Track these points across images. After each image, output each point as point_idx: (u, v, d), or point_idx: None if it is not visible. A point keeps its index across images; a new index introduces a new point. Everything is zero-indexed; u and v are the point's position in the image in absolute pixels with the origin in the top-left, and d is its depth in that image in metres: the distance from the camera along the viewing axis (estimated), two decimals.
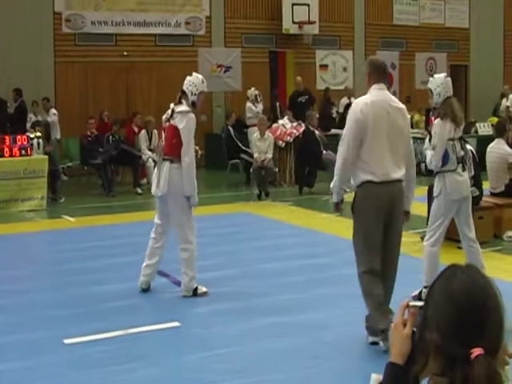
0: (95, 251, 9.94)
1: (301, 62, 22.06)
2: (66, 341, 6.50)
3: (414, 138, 6.90)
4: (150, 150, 16.00)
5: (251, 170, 15.03)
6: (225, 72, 20.97)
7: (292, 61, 22.10)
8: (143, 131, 16.33)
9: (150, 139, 16.21)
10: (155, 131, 15.86)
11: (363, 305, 6.41)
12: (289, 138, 16.17)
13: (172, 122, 7.74)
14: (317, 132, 15.76)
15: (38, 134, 14.40)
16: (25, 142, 13.90)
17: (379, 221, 6.20)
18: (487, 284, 1.88)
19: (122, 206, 14.02)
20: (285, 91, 21.61)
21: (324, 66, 22.84)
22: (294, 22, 21.19)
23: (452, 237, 8.51)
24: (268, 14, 21.55)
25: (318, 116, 16.68)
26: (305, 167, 15.49)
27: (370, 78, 6.41)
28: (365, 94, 6.49)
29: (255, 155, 14.99)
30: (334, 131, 18.28)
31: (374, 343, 6.21)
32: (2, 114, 16.71)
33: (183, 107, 7.73)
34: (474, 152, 9.06)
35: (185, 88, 7.84)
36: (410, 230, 9.66)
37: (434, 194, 7.56)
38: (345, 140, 6.29)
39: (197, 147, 8.07)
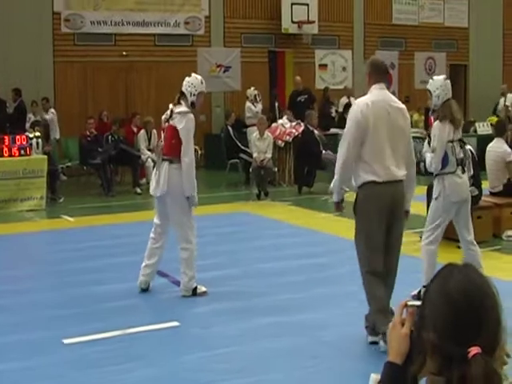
0: (94, 251, 9.94)
1: (300, 61, 22.07)
2: (66, 341, 6.50)
3: (413, 137, 6.89)
4: (149, 149, 16.00)
5: (250, 170, 15.04)
6: (224, 72, 20.97)
7: (291, 60, 22.10)
8: (142, 131, 16.33)
9: (149, 139, 16.22)
10: (154, 131, 15.86)
11: (362, 304, 6.42)
12: (288, 137, 16.18)
13: (171, 122, 7.74)
14: (316, 132, 15.76)
15: (37, 133, 14.41)
16: (24, 142, 13.90)
17: (381, 221, 6.19)
18: (484, 283, 1.88)
19: (121, 206, 14.02)
20: (284, 91, 21.63)
21: (323, 66, 22.85)
22: (293, 22, 21.20)
23: (451, 236, 8.51)
24: (267, 13, 21.55)
25: (317, 115, 16.68)
26: (304, 167, 15.50)
27: (370, 78, 6.41)
28: (364, 93, 6.49)
29: (254, 155, 14.99)
30: (333, 131, 18.29)
31: (374, 343, 6.21)
32: (2, 114, 16.70)
33: (182, 108, 7.73)
34: (474, 152, 9.06)
35: (184, 89, 7.84)
36: (408, 229, 9.65)
37: (434, 196, 7.57)
38: (345, 141, 6.29)
39: (197, 147, 8.07)
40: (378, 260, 6.22)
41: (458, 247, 8.06)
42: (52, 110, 17.77)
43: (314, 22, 21.47)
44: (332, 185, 6.57)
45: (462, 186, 7.47)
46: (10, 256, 10.29)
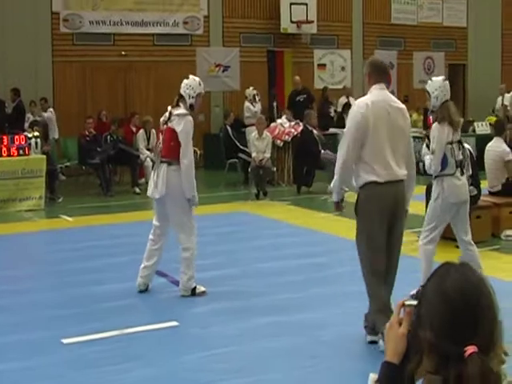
0: (93, 251, 9.94)
1: (299, 61, 22.07)
2: (65, 341, 6.50)
3: (412, 136, 6.90)
4: (148, 149, 16.01)
5: (249, 170, 15.04)
6: (223, 71, 20.97)
7: (290, 60, 22.11)
8: (141, 131, 16.33)
9: (148, 139, 16.22)
10: (153, 131, 15.85)
11: (361, 304, 6.42)
12: (287, 137, 16.18)
13: (169, 124, 7.74)
14: (315, 131, 15.76)
15: (36, 133, 14.41)
16: (23, 142, 13.90)
17: (383, 222, 6.20)
18: (480, 282, 1.88)
19: (120, 206, 14.02)
20: (283, 91, 21.64)
21: (322, 66, 22.85)
22: (292, 22, 21.21)
23: (449, 236, 8.51)
24: (266, 13, 21.55)
25: (316, 115, 16.69)
26: (303, 166, 15.50)
27: (370, 78, 6.41)
28: (364, 93, 6.49)
29: (253, 155, 14.99)
30: (332, 130, 18.31)
31: (373, 342, 6.22)
32: (0, 114, 16.69)
33: (181, 110, 7.74)
34: (472, 151, 9.07)
35: (182, 91, 7.84)
36: (407, 229, 9.64)
37: (432, 197, 7.58)
38: (345, 141, 6.29)
39: (196, 148, 8.08)
40: (380, 260, 6.22)
41: (456, 247, 8.06)
42: (50, 109, 17.77)
43: (312, 21, 21.48)
44: (332, 185, 6.57)
45: (461, 187, 7.47)
46: (9, 256, 10.29)
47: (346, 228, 10.22)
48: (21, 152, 13.82)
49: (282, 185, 16.16)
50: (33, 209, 13.57)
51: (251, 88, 18.54)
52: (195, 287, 7.85)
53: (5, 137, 13.90)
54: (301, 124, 16.11)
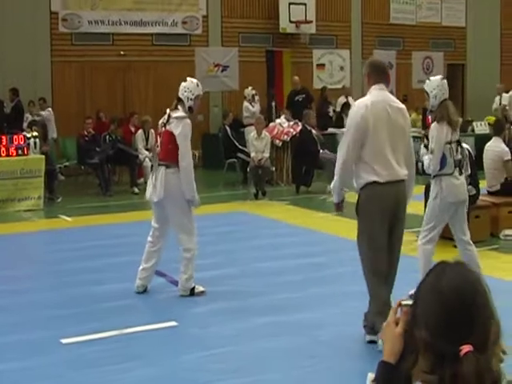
0: (92, 251, 9.94)
1: (298, 61, 22.07)
2: (64, 340, 6.50)
3: (411, 136, 6.90)
4: (146, 149, 16.01)
5: (248, 170, 15.04)
6: (222, 71, 20.97)
7: (289, 60, 22.11)
8: (140, 131, 16.34)
9: (147, 139, 16.22)
10: (152, 131, 15.84)
11: (360, 304, 6.43)
12: (286, 137, 16.18)
13: (168, 127, 7.74)
14: (314, 131, 15.77)
15: (35, 133, 14.40)
16: (21, 142, 13.90)
17: (384, 222, 6.20)
18: (476, 280, 1.87)
19: (119, 206, 14.02)
20: (282, 90, 21.65)
21: (321, 66, 22.86)
22: (290, 22, 21.22)
23: (448, 236, 8.51)
24: (265, 13, 21.55)
25: (315, 115, 16.69)
26: (302, 166, 15.50)
27: (369, 79, 6.41)
28: (362, 93, 6.50)
29: (252, 154, 14.99)
30: (330, 130, 18.31)
31: (372, 342, 6.22)
32: None
33: (179, 113, 7.73)
34: (471, 151, 9.07)
35: (180, 94, 7.84)
36: (406, 229, 9.65)
37: (431, 197, 7.58)
38: (345, 142, 6.29)
39: (193, 151, 8.07)
40: (381, 260, 6.22)
41: (455, 246, 8.06)
42: (49, 109, 17.76)
43: (311, 21, 21.49)
44: (332, 186, 6.56)
45: (460, 187, 7.48)
46: (8, 256, 10.29)
47: (344, 228, 10.24)
48: (19, 152, 13.82)
49: (280, 184, 16.17)
50: (32, 209, 13.57)
51: (250, 88, 18.54)
52: (194, 287, 7.85)
53: (3, 137, 13.89)
54: (299, 124, 16.11)
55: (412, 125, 18.58)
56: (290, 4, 21.14)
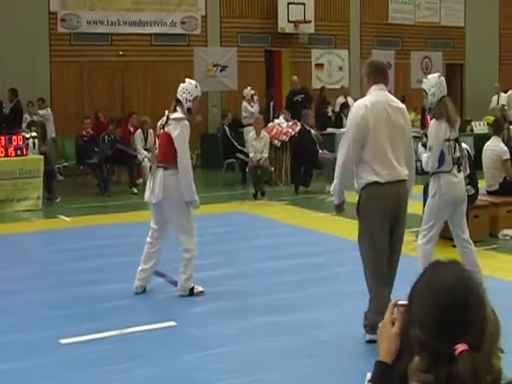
0: (91, 251, 9.94)
1: (296, 61, 22.08)
2: (63, 341, 6.50)
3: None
4: (145, 149, 16.00)
5: (247, 170, 15.04)
6: (221, 71, 20.97)
7: (288, 60, 22.11)
8: (139, 131, 16.33)
9: (146, 139, 16.21)
10: (151, 131, 15.84)
11: (359, 303, 6.43)
12: (284, 137, 16.18)
13: (166, 128, 7.73)
14: (312, 131, 15.77)
15: (34, 134, 14.40)
16: (20, 142, 13.90)
17: (385, 222, 6.20)
18: (470, 280, 1.87)
19: (117, 206, 14.02)
20: (281, 90, 21.64)
21: (320, 65, 22.86)
22: (289, 21, 21.22)
23: (446, 235, 8.52)
24: (263, 13, 21.55)
25: (314, 115, 16.70)
26: (300, 166, 15.50)
27: (368, 79, 6.41)
28: (361, 93, 6.50)
29: (251, 154, 15.00)
30: (329, 130, 18.31)
31: (371, 341, 6.21)
32: None
33: (178, 114, 7.72)
34: (470, 151, 9.08)
35: (179, 96, 7.83)
36: (405, 228, 9.66)
37: (429, 194, 7.59)
38: (345, 143, 6.29)
39: (192, 154, 8.07)
40: (383, 261, 6.22)
41: (454, 246, 8.06)
42: (47, 108, 17.75)
43: (310, 21, 21.49)
44: (332, 187, 6.56)
45: (458, 185, 7.48)
46: (7, 256, 10.29)
47: (344, 228, 10.24)
48: (18, 152, 13.82)
49: (279, 185, 16.17)
50: (31, 209, 13.57)
51: (249, 88, 18.54)
52: (193, 287, 7.85)
53: (2, 137, 13.89)
54: (298, 124, 16.11)
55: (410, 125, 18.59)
56: (288, 4, 21.14)
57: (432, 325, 1.82)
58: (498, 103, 20.76)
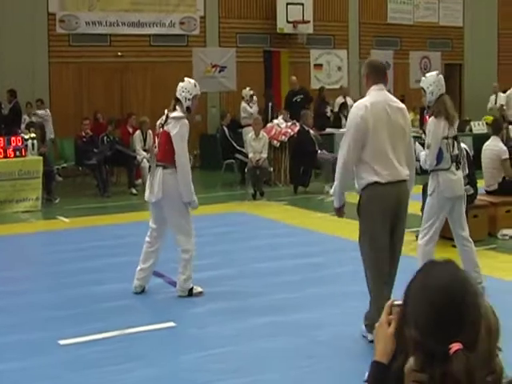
0: (90, 252, 9.94)
1: (295, 61, 22.08)
2: (62, 341, 6.50)
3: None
4: (144, 150, 15.99)
5: (246, 170, 15.04)
6: (219, 72, 20.97)
7: (286, 60, 22.11)
8: (138, 132, 16.32)
9: (145, 140, 16.20)
10: (150, 131, 15.84)
11: (358, 304, 6.43)
12: (283, 137, 16.18)
13: (165, 128, 7.73)
14: (311, 131, 15.77)
15: (33, 134, 14.40)
16: (19, 143, 13.89)
17: (385, 222, 6.20)
18: (465, 279, 1.87)
19: (116, 207, 14.01)
20: (279, 91, 21.63)
21: (318, 66, 22.85)
22: (288, 22, 21.21)
23: (446, 235, 8.52)
24: (262, 13, 21.55)
25: (312, 115, 16.69)
26: (300, 167, 15.50)
27: (368, 79, 6.41)
28: (360, 93, 6.50)
29: (250, 155, 15.00)
30: (328, 130, 18.31)
31: (373, 341, 6.20)
32: None
33: (177, 113, 7.73)
34: (469, 150, 9.08)
35: (178, 95, 7.83)
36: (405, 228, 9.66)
37: (428, 192, 7.60)
38: (345, 143, 6.28)
39: (190, 154, 8.07)
40: (383, 261, 6.22)
41: (454, 246, 8.06)
42: (46, 109, 17.74)
43: (309, 21, 21.48)
44: (332, 190, 6.55)
45: (457, 182, 7.48)
46: (6, 257, 10.28)
47: (343, 228, 10.23)
48: (17, 153, 13.81)
49: (278, 185, 16.17)
50: (30, 210, 13.56)
51: (248, 88, 18.52)
52: (192, 288, 7.85)
53: (1, 138, 13.89)
54: (297, 124, 16.11)
55: None
56: (287, 4, 21.13)
57: (427, 324, 1.82)
58: (495, 103, 20.75)
